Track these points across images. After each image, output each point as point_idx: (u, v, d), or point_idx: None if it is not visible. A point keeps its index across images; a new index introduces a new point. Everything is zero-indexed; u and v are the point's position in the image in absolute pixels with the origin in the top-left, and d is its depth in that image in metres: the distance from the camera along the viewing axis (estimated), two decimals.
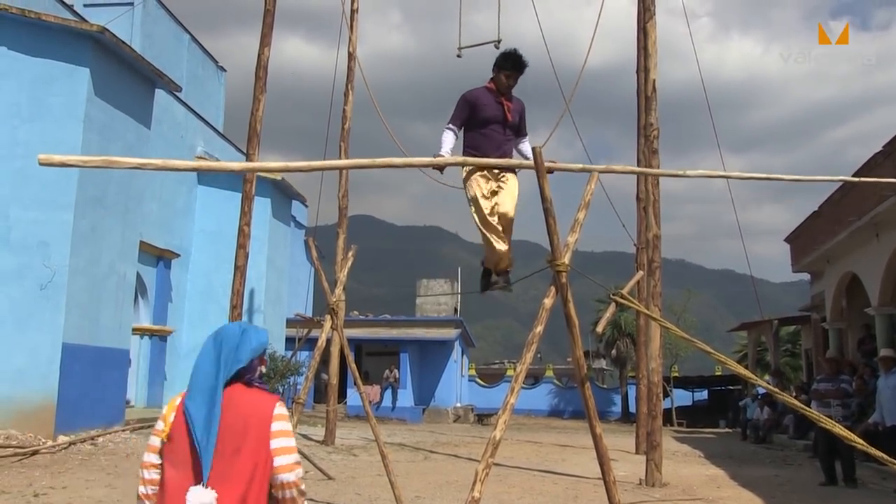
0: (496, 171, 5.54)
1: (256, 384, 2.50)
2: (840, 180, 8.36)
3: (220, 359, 2.43)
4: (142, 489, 2.45)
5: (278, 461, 2.36)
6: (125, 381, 13.03)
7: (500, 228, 5.59)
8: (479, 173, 5.52)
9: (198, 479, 2.29)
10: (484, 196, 5.49)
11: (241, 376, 2.45)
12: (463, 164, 5.38)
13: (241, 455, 2.33)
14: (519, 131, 5.78)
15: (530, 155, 5.76)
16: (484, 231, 5.60)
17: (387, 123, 13.52)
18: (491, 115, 5.59)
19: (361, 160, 4.62)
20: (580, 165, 5.42)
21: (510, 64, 5.58)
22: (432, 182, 10.70)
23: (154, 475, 2.43)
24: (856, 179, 8.55)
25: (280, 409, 2.43)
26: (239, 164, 4.61)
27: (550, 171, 5.30)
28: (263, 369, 2.57)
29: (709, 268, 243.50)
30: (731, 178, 5.88)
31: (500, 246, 5.61)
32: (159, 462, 2.43)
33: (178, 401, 2.44)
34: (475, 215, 5.57)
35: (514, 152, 5.80)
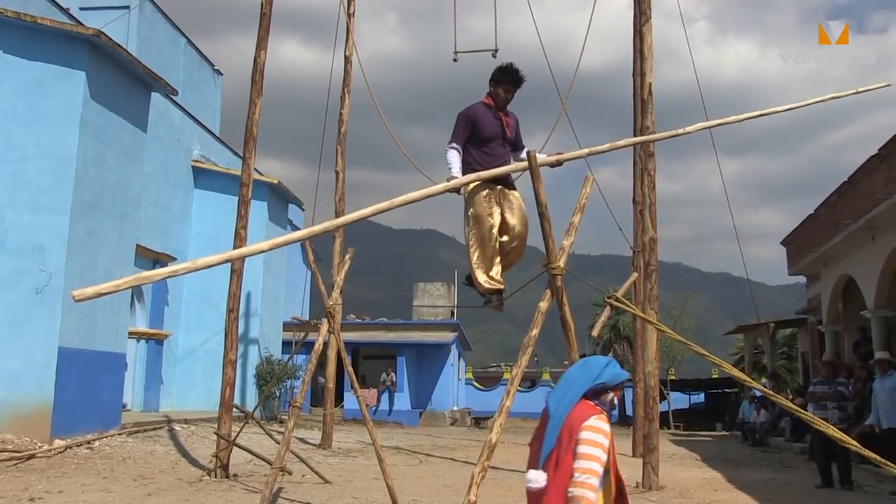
0: (501, 188, 5.50)
1: (598, 402, 3.04)
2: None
3: (581, 377, 3.07)
4: None
5: (575, 464, 2.87)
6: (121, 384, 12.99)
7: (495, 260, 5.53)
8: (483, 194, 5.46)
9: (537, 463, 2.99)
10: (489, 215, 5.43)
11: (594, 394, 3.04)
12: (477, 180, 5.28)
13: (563, 451, 2.91)
14: (516, 145, 5.74)
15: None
16: (471, 255, 5.53)
17: (390, 129, 13.58)
18: (491, 132, 5.53)
19: (381, 205, 4.65)
20: (586, 150, 5.39)
21: (509, 78, 5.54)
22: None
23: None
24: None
25: (594, 421, 2.92)
26: (269, 242, 4.38)
27: (560, 163, 5.32)
28: (615, 400, 3.12)
29: (705, 271, 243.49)
30: (743, 119, 5.84)
31: (480, 278, 5.55)
32: None
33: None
34: (472, 234, 5.50)
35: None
